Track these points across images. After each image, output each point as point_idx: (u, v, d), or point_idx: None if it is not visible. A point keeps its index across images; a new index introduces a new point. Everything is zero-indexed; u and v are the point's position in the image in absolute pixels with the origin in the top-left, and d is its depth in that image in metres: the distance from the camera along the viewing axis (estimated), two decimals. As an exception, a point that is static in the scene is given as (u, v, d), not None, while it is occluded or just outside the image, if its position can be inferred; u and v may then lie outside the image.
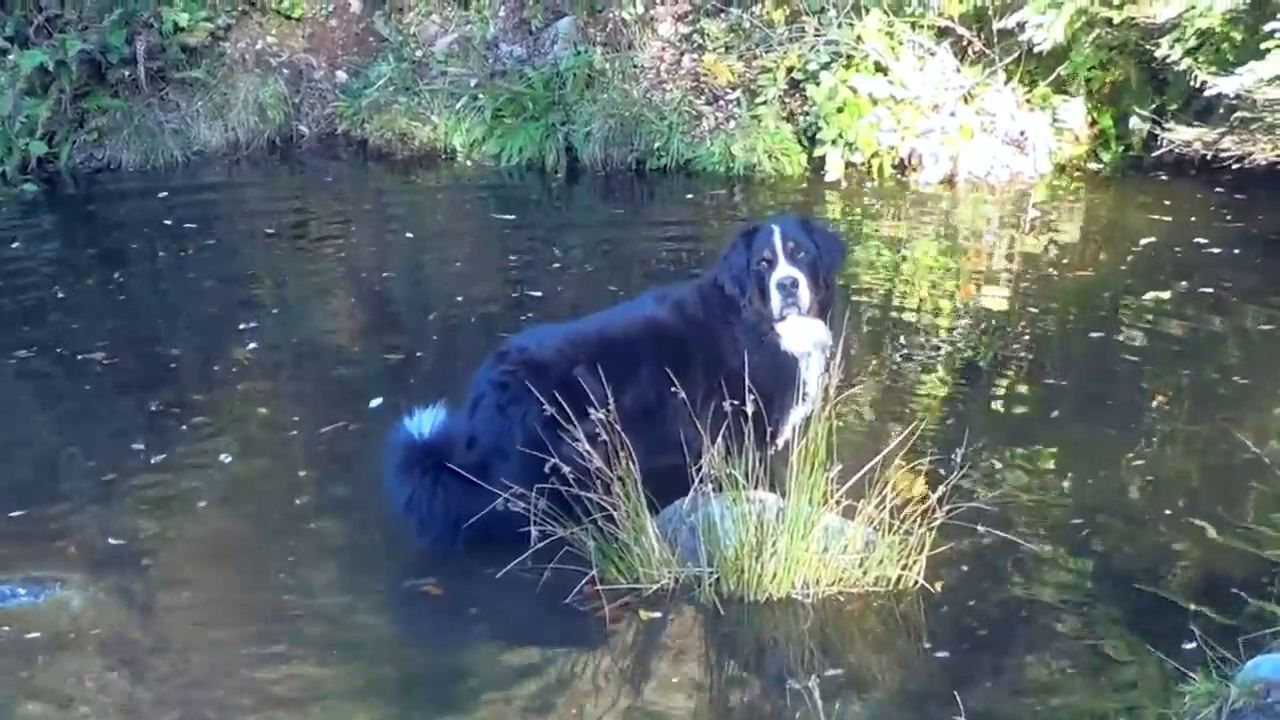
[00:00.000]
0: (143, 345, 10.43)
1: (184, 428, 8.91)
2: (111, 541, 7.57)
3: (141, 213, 13.90)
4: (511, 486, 6.67)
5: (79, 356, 10.11)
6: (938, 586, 6.69)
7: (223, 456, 8.49)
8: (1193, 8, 11.55)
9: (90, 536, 7.63)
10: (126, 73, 15.24)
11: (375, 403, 9.09)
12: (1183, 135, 12.46)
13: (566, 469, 6.51)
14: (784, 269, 7.13)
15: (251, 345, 10.29)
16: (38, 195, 14.51)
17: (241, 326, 10.65)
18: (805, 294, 7.12)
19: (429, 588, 7.10)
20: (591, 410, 6.63)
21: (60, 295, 11.52)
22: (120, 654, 6.62)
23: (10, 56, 14.84)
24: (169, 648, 6.69)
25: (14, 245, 12.96)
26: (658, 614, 6.67)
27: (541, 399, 6.82)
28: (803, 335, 7.26)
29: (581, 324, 7.68)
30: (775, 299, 7.12)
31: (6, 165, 14.80)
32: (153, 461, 8.44)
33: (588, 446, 6.57)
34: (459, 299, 11.21)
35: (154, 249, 12.82)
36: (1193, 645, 5.94)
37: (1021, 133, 13.56)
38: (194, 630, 6.82)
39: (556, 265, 12.07)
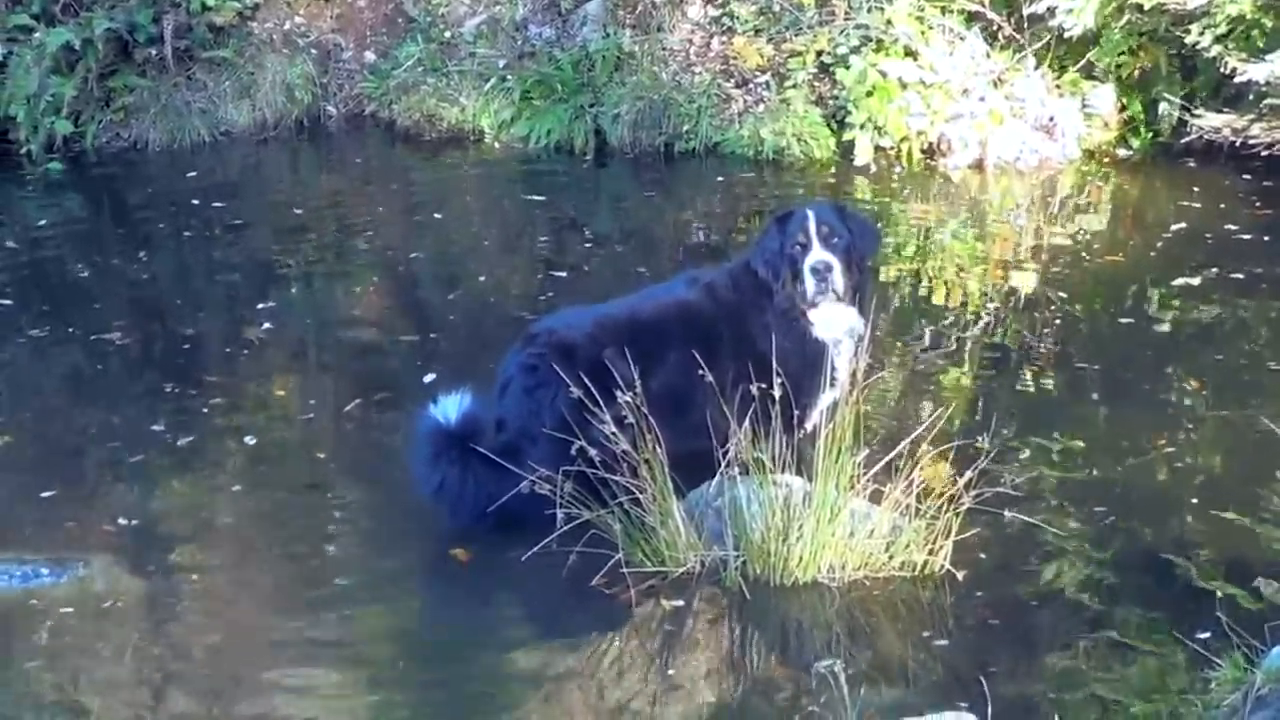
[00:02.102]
0: (159, 325, 10.51)
1: (204, 410, 8.92)
2: (134, 523, 7.60)
3: (168, 192, 13.92)
4: (539, 469, 6.68)
5: (93, 336, 10.13)
6: (963, 571, 6.68)
7: (247, 438, 8.50)
8: (1223, -6, 11.53)
9: (118, 518, 7.64)
10: (153, 52, 15.20)
11: (429, 378, 9.10)
12: (1212, 122, 12.43)
13: (593, 452, 6.53)
14: (818, 253, 7.09)
15: (266, 325, 10.31)
16: (63, 174, 14.50)
17: (259, 306, 10.69)
18: (839, 279, 7.08)
19: (458, 552, 7.14)
20: (619, 393, 6.63)
21: (84, 274, 11.57)
22: (145, 633, 6.64)
23: (36, 35, 14.81)
24: (194, 627, 6.71)
25: (40, 224, 12.99)
26: (683, 597, 6.67)
27: (570, 382, 6.82)
28: (835, 321, 7.22)
29: (612, 306, 7.67)
30: (809, 283, 7.08)
31: (32, 144, 14.80)
32: (179, 444, 8.45)
33: (615, 429, 6.58)
34: (482, 279, 11.24)
35: (180, 229, 12.84)
36: (1218, 632, 5.92)
37: (1051, 118, 13.51)
38: (219, 609, 6.85)
39: (584, 247, 12.09)
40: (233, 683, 6.26)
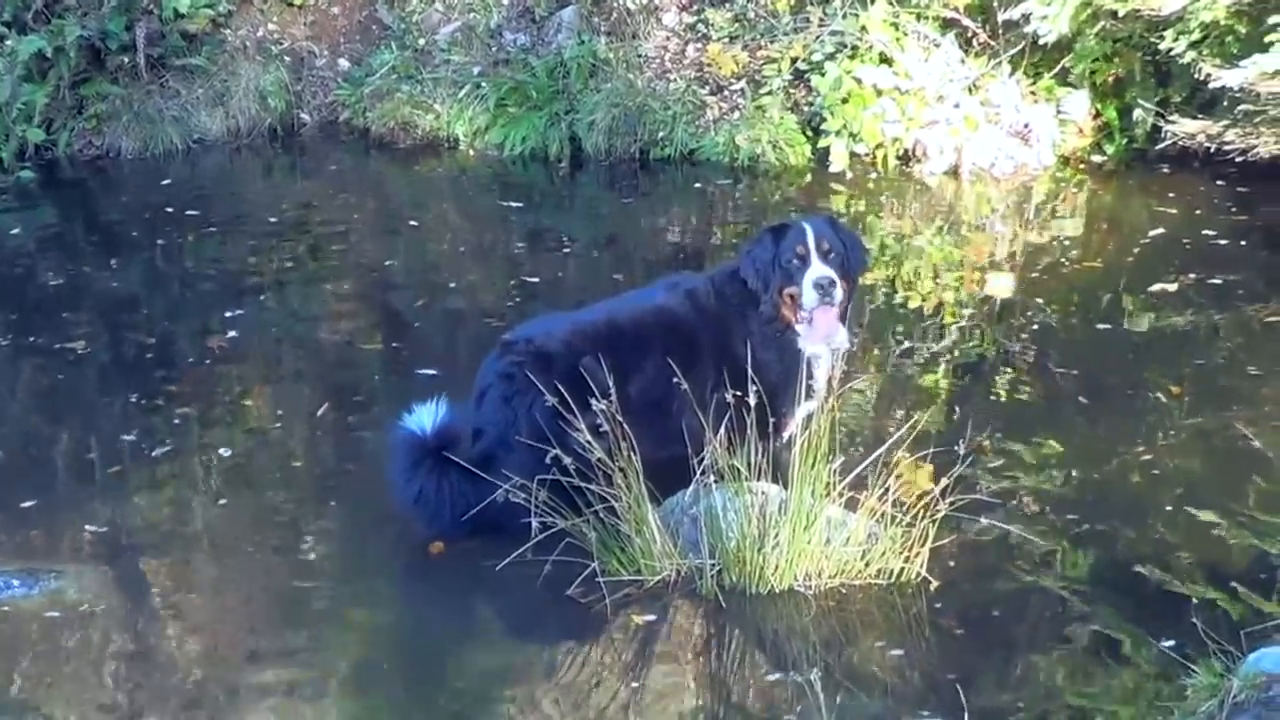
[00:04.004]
0: (124, 334, 10.47)
1: (175, 419, 8.87)
2: (107, 533, 7.58)
3: (141, 200, 13.85)
4: (516, 478, 6.66)
5: (55, 345, 10.06)
6: (940, 579, 6.68)
7: (222, 450, 8.45)
8: (1197, 0, 11.50)
9: (92, 528, 7.61)
10: (126, 59, 15.13)
11: (430, 371, 9.23)
12: (1186, 128, 12.41)
13: (568, 460, 6.51)
14: (819, 268, 7.08)
15: (231, 333, 10.27)
16: (35, 182, 14.43)
17: (228, 314, 10.63)
18: (839, 294, 7.09)
19: (436, 545, 7.17)
20: (594, 401, 6.61)
21: (54, 283, 11.50)
22: (119, 643, 6.62)
23: (8, 42, 14.70)
24: (168, 636, 6.69)
25: (13, 232, 12.93)
26: (659, 606, 6.65)
27: (547, 391, 6.79)
28: (821, 336, 7.22)
29: (590, 312, 7.68)
30: (810, 297, 7.07)
31: (4, 152, 14.64)
32: (153, 454, 8.41)
33: (590, 438, 6.56)
34: (456, 286, 11.23)
35: (153, 237, 12.76)
36: (1194, 638, 5.91)
37: (1026, 124, 13.50)
38: (195, 619, 6.83)
39: (560, 253, 12.08)
40: (207, 693, 6.23)
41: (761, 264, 7.23)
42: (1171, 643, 6.05)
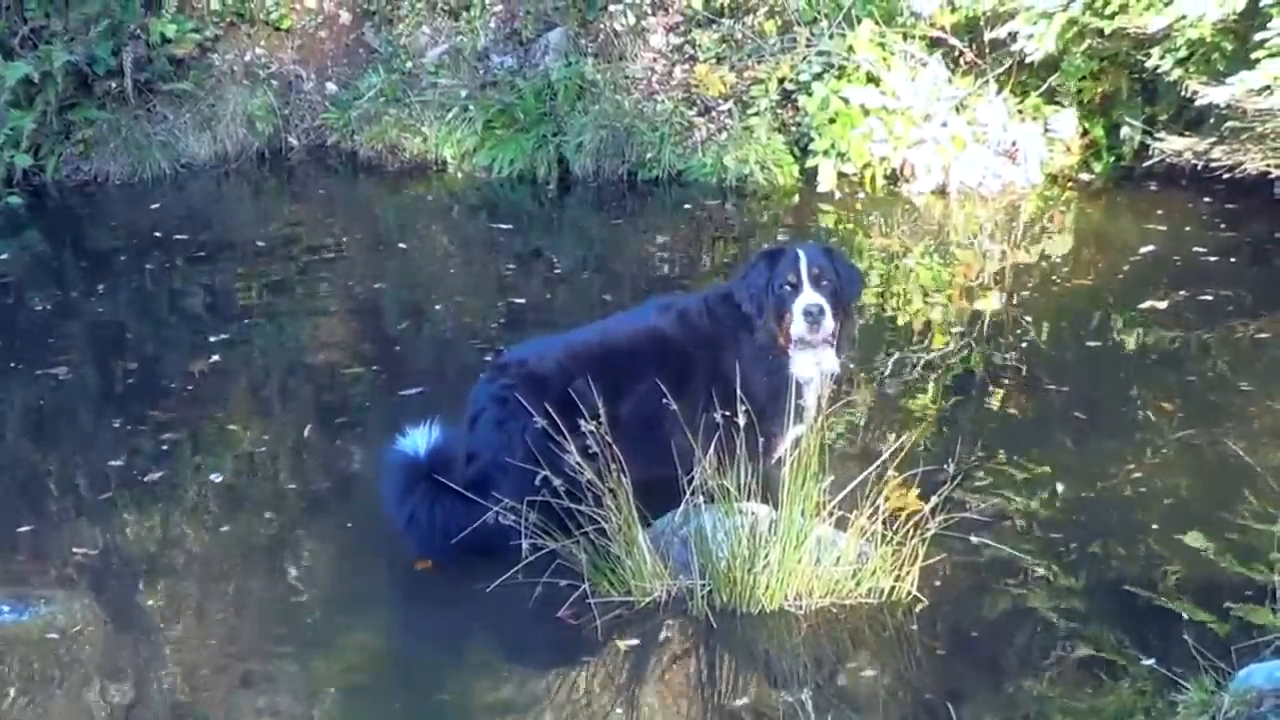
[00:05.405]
0: (108, 359, 10.47)
1: (162, 445, 8.85)
2: (98, 559, 7.56)
3: (129, 225, 13.88)
4: (510, 501, 6.65)
5: (38, 371, 10.05)
6: (930, 597, 6.65)
7: (213, 475, 8.42)
8: (1183, 18, 11.51)
9: (83, 554, 7.59)
10: (113, 84, 15.18)
11: (413, 391, 9.26)
12: (1174, 145, 12.42)
13: (558, 482, 6.49)
14: (809, 296, 7.06)
15: (214, 358, 10.24)
16: (23, 208, 14.43)
17: (212, 339, 10.62)
18: (828, 322, 7.07)
19: (420, 562, 7.19)
20: (584, 424, 6.59)
21: (40, 308, 11.50)
22: (110, 669, 6.60)
23: (-6, 68, 14.79)
24: (160, 662, 6.65)
25: (1, 258, 12.91)
26: (649, 627, 6.63)
27: (540, 415, 6.78)
28: (813, 361, 7.21)
29: (582, 334, 7.65)
30: (799, 325, 7.04)
31: (-9, 178, 14.75)
32: (144, 479, 8.38)
33: (580, 460, 6.55)
34: (446, 308, 11.22)
35: (140, 261, 12.76)
36: (1185, 655, 5.89)
37: (1013, 143, 13.52)
38: (186, 644, 6.79)
39: (549, 275, 12.08)
40: (197, 716, 6.21)
41: (756, 289, 7.20)
42: (1161, 660, 6.05)
